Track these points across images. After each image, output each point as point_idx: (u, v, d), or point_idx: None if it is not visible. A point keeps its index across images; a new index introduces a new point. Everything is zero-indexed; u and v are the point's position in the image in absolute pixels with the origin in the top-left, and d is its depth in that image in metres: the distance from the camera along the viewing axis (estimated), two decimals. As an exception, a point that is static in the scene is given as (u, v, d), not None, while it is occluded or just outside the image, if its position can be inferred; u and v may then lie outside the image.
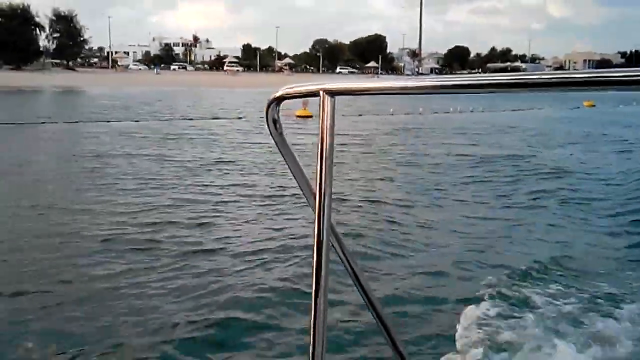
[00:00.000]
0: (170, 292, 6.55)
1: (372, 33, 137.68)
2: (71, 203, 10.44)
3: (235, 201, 10.96)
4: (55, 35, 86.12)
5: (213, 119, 29.96)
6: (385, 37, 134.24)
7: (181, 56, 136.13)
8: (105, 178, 12.89)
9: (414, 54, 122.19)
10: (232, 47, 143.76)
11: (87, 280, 6.85)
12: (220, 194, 11.54)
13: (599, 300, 6.44)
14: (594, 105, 45.55)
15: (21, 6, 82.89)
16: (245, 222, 9.43)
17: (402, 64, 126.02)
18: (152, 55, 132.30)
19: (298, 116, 28.50)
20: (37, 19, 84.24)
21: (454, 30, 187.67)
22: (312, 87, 1.14)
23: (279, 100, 1.19)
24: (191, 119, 29.16)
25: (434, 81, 1.00)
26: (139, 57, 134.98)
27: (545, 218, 10.37)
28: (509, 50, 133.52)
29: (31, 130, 21.91)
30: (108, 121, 26.32)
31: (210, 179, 13.18)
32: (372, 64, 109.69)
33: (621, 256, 8.37)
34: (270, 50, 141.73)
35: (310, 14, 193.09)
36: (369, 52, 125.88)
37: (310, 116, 28.19)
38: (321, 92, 1.11)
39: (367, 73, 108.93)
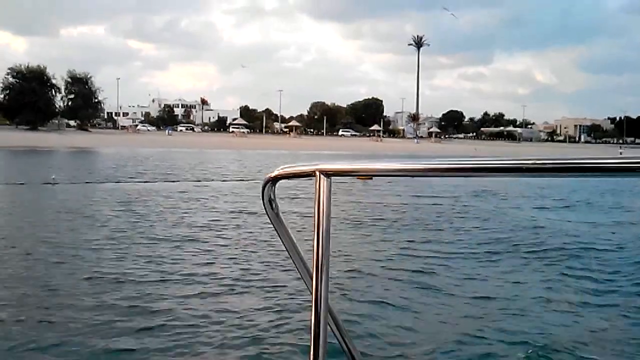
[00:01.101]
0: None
1: (361, 96, 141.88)
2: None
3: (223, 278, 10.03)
4: (70, 96, 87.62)
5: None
6: (382, 101, 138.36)
7: (180, 117, 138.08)
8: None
9: (414, 118, 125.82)
10: (229, 109, 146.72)
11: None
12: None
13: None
14: None
15: (38, 68, 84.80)
16: (238, 294, 8.95)
17: (402, 128, 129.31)
18: (151, 116, 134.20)
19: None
20: (53, 81, 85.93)
21: (442, 94, 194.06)
22: (307, 168, 1.15)
23: (275, 180, 1.20)
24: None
25: (434, 164, 1.00)
26: (139, 117, 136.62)
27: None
28: (501, 115, 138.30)
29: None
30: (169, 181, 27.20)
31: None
32: (375, 127, 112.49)
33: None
34: (267, 112, 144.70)
35: (299, 77, 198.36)
36: (366, 115, 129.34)
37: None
38: (317, 173, 1.11)
39: (369, 136, 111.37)
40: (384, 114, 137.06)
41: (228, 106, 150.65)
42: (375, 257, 11.89)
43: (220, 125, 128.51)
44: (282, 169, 1.20)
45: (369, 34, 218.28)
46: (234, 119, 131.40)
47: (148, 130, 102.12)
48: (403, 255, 12.21)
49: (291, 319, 7.66)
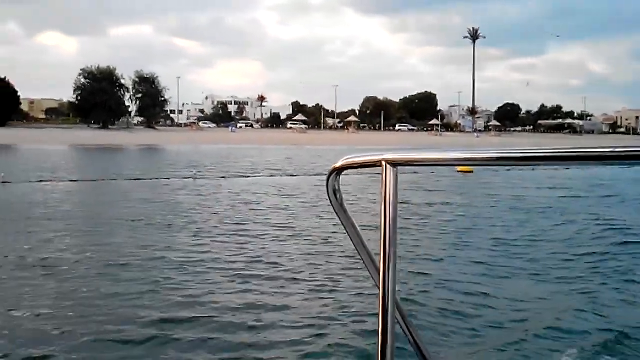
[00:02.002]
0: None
1: (407, 90, 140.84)
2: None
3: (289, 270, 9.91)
4: (138, 96, 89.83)
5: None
6: (435, 95, 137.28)
7: (233, 114, 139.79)
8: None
9: (472, 112, 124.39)
10: (278, 105, 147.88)
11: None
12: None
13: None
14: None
15: (108, 69, 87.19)
16: (301, 292, 8.68)
17: (459, 122, 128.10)
18: (206, 113, 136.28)
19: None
20: (122, 81, 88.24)
21: (492, 87, 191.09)
22: (373, 157, 1.13)
23: (340, 170, 1.19)
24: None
25: (501, 152, 0.97)
26: (192, 115, 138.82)
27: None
28: (559, 107, 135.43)
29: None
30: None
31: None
32: (434, 121, 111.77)
33: None
34: (318, 107, 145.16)
35: (345, 72, 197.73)
36: (420, 110, 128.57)
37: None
38: (383, 163, 1.10)
39: (427, 130, 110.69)
40: (438, 108, 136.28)
41: (274, 102, 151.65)
42: (444, 251, 11.65)
43: (275, 121, 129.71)
44: (347, 159, 1.18)
45: (414, 27, 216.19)
46: (288, 115, 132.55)
47: (209, 127, 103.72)
48: (474, 249, 11.86)
49: (357, 313, 7.53)
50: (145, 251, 11.06)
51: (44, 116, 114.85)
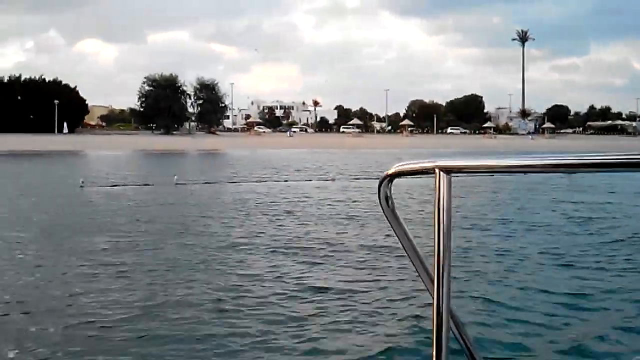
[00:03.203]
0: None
1: (447, 92, 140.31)
2: None
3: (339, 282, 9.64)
4: (199, 102, 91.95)
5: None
6: (482, 98, 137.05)
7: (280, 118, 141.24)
8: None
9: (524, 114, 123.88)
10: (326, 109, 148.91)
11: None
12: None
13: None
14: None
15: (171, 76, 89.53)
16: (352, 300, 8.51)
17: (506, 124, 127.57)
18: (252, 117, 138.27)
19: None
20: (184, 88, 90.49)
21: (533, 88, 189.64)
22: (425, 164, 1.11)
23: (392, 177, 1.18)
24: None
25: (561, 159, 0.94)
26: (239, 120, 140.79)
27: None
28: (608, 109, 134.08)
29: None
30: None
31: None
32: (488, 124, 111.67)
33: None
34: (363, 111, 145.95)
35: (382, 74, 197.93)
36: (466, 112, 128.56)
37: None
38: (436, 170, 1.08)
39: (480, 133, 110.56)
40: (484, 110, 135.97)
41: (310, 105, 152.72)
42: (499, 259, 11.32)
43: (323, 125, 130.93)
44: (399, 165, 1.18)
45: (453, 28, 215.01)
46: (335, 119, 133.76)
47: (264, 132, 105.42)
48: (529, 257, 11.47)
49: (410, 321, 7.37)
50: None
51: (95, 122, 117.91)
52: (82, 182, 22.91)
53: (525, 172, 1.01)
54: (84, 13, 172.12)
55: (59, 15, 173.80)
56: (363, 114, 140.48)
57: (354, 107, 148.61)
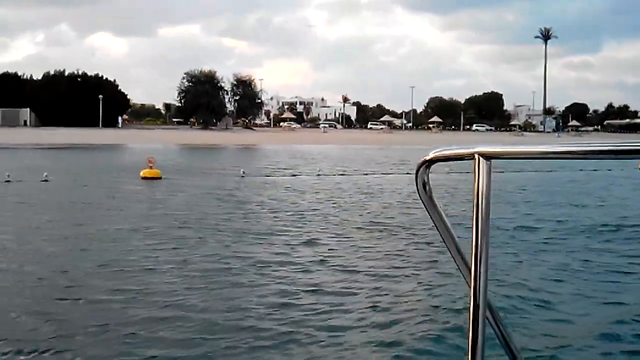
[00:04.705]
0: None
1: (461, 88, 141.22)
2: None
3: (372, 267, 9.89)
4: (236, 97, 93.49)
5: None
6: (502, 95, 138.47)
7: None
8: None
9: (548, 112, 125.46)
10: (340, 105, 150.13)
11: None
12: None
13: None
14: None
15: (210, 72, 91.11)
16: (388, 288, 8.63)
17: (530, 121, 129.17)
18: (273, 113, 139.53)
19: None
20: (221, 84, 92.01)
21: (549, 85, 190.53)
22: (465, 150, 1.12)
23: (430, 163, 1.17)
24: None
25: (601, 146, 0.95)
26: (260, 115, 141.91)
27: None
28: (626, 107, 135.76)
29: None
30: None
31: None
32: (514, 121, 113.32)
33: None
34: (380, 108, 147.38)
35: (396, 70, 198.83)
36: (487, 109, 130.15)
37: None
38: (476, 155, 1.08)
39: (508, 130, 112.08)
40: (504, 107, 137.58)
41: (328, 101, 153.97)
42: (538, 248, 11.33)
43: (346, 121, 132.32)
44: (438, 151, 1.18)
45: (467, 24, 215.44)
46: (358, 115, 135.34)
47: (294, 128, 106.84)
48: (570, 247, 11.48)
49: (446, 310, 7.42)
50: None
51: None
52: (243, 172, 25.30)
53: (564, 159, 1.02)
54: (95, 6, 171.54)
55: (70, 9, 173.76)
56: (381, 111, 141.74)
57: (364, 102, 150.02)
